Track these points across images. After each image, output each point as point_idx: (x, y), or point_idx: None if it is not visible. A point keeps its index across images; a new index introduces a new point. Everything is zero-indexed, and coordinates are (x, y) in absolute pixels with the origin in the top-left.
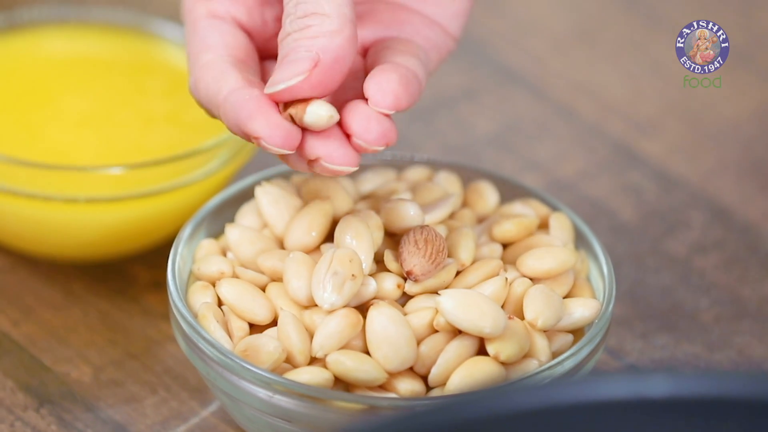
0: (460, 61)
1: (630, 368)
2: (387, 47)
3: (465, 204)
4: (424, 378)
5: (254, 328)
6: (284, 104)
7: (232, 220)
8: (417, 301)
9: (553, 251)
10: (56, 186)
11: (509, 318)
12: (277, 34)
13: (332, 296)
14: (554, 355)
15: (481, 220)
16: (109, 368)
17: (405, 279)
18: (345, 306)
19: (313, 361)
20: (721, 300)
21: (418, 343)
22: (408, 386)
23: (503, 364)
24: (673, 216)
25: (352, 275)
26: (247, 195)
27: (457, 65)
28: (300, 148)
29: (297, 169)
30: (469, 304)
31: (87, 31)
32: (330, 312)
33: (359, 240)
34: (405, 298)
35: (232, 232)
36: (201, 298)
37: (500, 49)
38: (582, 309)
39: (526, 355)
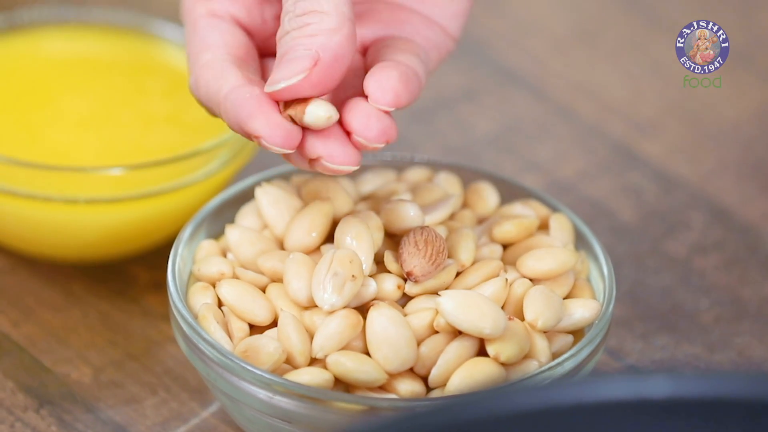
0: (460, 61)
1: (630, 369)
2: (387, 45)
3: (465, 205)
4: (424, 379)
5: (254, 328)
6: (284, 104)
7: (232, 220)
8: (417, 302)
9: (553, 252)
10: (56, 187)
11: (509, 319)
12: (276, 33)
13: (332, 297)
14: (554, 355)
15: (481, 220)
16: (109, 369)
17: (405, 280)
18: (345, 307)
19: (313, 361)
20: (721, 301)
21: (418, 344)
22: (408, 387)
23: (503, 364)
24: (673, 216)
25: (353, 276)
26: (247, 196)
27: (457, 66)
28: (301, 147)
29: (299, 167)
30: (470, 305)
31: (87, 32)
32: (330, 313)
33: (359, 241)
34: (405, 298)
35: (232, 233)
36: (201, 298)
37: (500, 49)
38: (582, 310)
39: (526, 356)
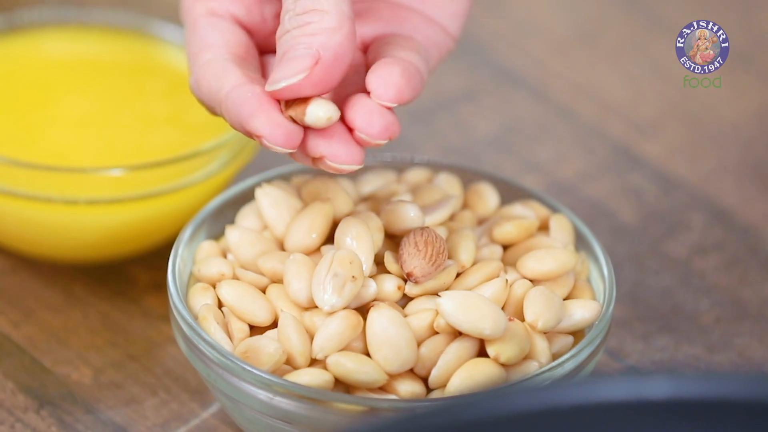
0: (460, 62)
1: (630, 370)
2: (388, 43)
3: (465, 205)
4: (425, 380)
5: (254, 329)
6: (285, 103)
7: (232, 221)
8: (417, 303)
9: (553, 253)
10: (56, 187)
11: (509, 320)
12: (276, 31)
13: (332, 298)
14: (554, 356)
15: (481, 221)
16: (110, 370)
17: (405, 281)
18: (345, 308)
19: (313, 362)
20: (721, 301)
21: (419, 344)
22: (408, 388)
23: (503, 365)
24: (673, 217)
25: (353, 277)
26: (247, 196)
27: (457, 66)
28: (304, 146)
29: (302, 164)
30: (470, 306)
31: (87, 33)
32: (330, 314)
33: (359, 241)
34: (405, 299)
35: (232, 234)
36: (201, 299)
37: (500, 50)
38: (582, 310)
39: (527, 357)
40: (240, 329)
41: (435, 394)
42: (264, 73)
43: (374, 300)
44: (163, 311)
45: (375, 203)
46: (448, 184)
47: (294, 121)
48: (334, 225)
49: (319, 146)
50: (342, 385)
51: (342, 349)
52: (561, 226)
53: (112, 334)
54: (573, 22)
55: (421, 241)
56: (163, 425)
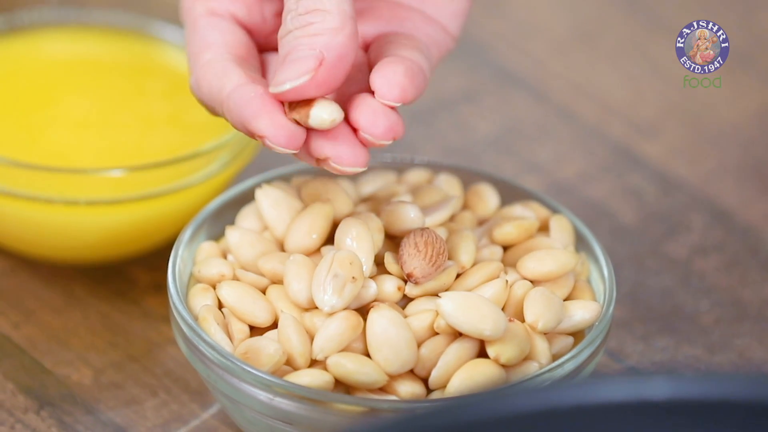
0: (460, 62)
1: (630, 370)
2: (390, 41)
3: (465, 206)
4: (425, 380)
5: (255, 330)
6: (288, 104)
7: (232, 222)
8: (417, 304)
9: (553, 253)
10: (57, 188)
11: (509, 320)
12: (276, 31)
13: (332, 299)
14: (554, 357)
15: (481, 222)
16: (110, 371)
17: (405, 281)
18: (345, 308)
19: (313, 363)
20: (721, 302)
21: (419, 345)
22: (408, 389)
23: (503, 366)
24: (673, 218)
25: (353, 277)
26: (247, 197)
27: (458, 67)
28: (308, 148)
29: (306, 163)
30: (470, 307)
31: (87, 34)
32: (330, 314)
33: (360, 242)
34: (405, 300)
35: (232, 235)
36: (201, 300)
37: (500, 51)
38: (582, 311)
39: (527, 358)
40: (240, 330)
41: (435, 395)
42: (264, 72)
43: (374, 301)
44: (163, 312)
45: (375, 204)
46: (448, 184)
47: (298, 123)
48: (335, 226)
49: (323, 148)
50: (342, 386)
51: (342, 350)
52: (561, 227)
53: (113, 335)
54: (573, 22)
55: (421, 242)
56: (163, 426)
